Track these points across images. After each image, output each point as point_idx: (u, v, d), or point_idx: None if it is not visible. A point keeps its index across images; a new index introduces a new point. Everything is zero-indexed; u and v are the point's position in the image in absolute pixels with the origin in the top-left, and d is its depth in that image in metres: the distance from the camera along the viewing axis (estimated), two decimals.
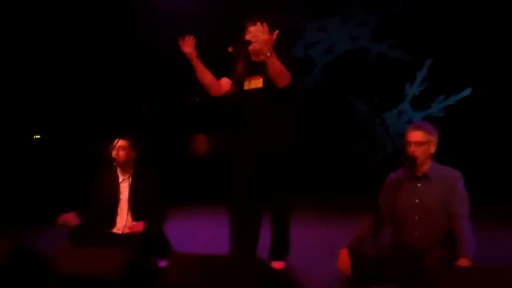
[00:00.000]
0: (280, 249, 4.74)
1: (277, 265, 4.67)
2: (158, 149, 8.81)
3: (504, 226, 6.51)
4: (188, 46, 4.54)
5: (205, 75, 4.71)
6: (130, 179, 4.96)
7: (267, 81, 4.53)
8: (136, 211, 4.85)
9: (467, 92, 9.87)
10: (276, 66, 4.37)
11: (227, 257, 3.45)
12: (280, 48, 4.57)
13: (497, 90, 9.45)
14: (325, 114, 10.70)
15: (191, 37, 4.53)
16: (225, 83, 4.81)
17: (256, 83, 4.63)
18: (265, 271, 2.98)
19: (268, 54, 4.26)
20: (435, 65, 10.12)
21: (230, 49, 4.48)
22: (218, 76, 4.82)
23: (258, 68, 4.63)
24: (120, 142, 4.94)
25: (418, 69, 10.29)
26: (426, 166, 3.99)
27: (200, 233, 6.79)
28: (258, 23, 4.35)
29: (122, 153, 4.92)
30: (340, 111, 10.71)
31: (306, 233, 6.07)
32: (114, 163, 4.93)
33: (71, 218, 4.71)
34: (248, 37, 4.65)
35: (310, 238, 5.93)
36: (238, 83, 4.68)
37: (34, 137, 9.40)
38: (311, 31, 11.08)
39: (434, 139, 4.00)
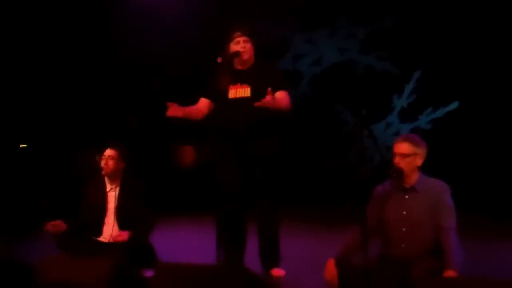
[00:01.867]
0: (273, 256, 4.74)
1: (278, 272, 4.68)
2: (146, 159, 8.79)
3: (491, 239, 6.54)
4: (177, 111, 4.55)
5: (194, 114, 4.76)
6: (118, 188, 4.95)
7: (255, 91, 4.55)
8: (122, 221, 4.84)
9: (454, 105, 9.91)
10: (282, 104, 4.51)
11: (214, 267, 3.44)
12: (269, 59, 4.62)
13: (484, 103, 9.50)
14: (313, 126, 10.71)
15: (172, 104, 4.53)
16: (203, 104, 4.85)
17: (243, 92, 4.64)
18: (252, 281, 2.97)
19: (273, 105, 4.38)
20: (423, 77, 10.16)
21: (219, 60, 4.50)
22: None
23: (245, 77, 4.66)
24: (109, 152, 4.94)
25: (406, 82, 10.33)
26: (413, 178, 4.00)
27: (186, 243, 6.78)
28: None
29: (110, 163, 4.91)
30: (328, 123, 10.72)
31: (293, 245, 6.02)
32: (103, 173, 4.93)
33: (58, 224, 4.68)
34: (237, 47, 4.67)
35: (297, 249, 5.91)
36: (222, 92, 4.69)
37: (20, 146, 9.35)
38: (299, 44, 11.12)
39: (420, 151, 4.00)
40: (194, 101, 4.91)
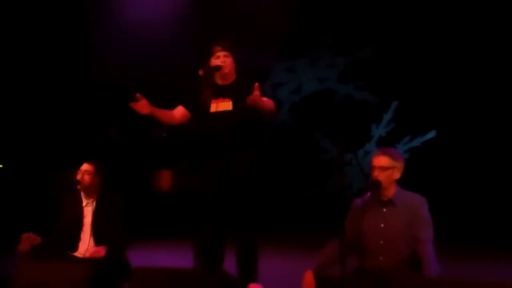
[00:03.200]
0: (250, 271, 4.69)
1: (255, 287, 4.63)
2: (123, 182, 8.74)
3: (468, 265, 6.57)
4: (144, 108, 4.55)
5: (163, 117, 4.76)
6: (94, 203, 4.90)
7: (237, 104, 4.57)
8: (98, 236, 4.79)
9: (431, 134, 10.02)
10: (268, 105, 4.50)
11: (191, 270, 3.41)
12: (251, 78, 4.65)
13: (462, 132, 9.63)
14: (292, 153, 10.76)
15: (142, 98, 4.53)
16: (179, 112, 4.85)
17: (225, 105, 4.66)
18: (230, 284, 2.94)
19: (261, 102, 4.38)
20: (401, 107, 10.28)
21: (200, 73, 4.53)
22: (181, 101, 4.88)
23: (226, 91, 4.68)
24: (85, 166, 4.90)
25: (385, 111, 10.43)
26: (391, 191, 4.02)
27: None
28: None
29: (87, 177, 4.87)
30: (307, 150, 10.77)
31: (270, 266, 6.00)
32: (79, 187, 4.88)
33: (32, 237, 4.62)
34: (217, 62, 4.70)
35: (274, 270, 5.87)
36: (203, 105, 4.70)
37: None
38: (279, 72, 11.21)
39: (399, 165, 4.04)
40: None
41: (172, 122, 4.84)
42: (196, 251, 4.75)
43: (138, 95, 4.50)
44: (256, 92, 4.32)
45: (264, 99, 4.50)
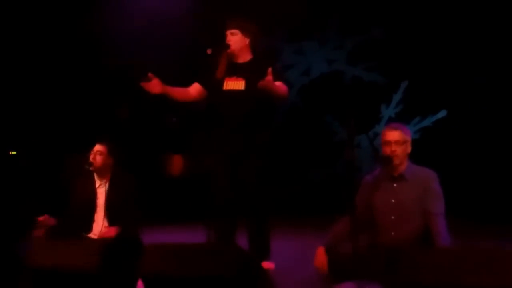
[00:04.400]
0: (263, 248, 4.73)
1: (268, 265, 4.68)
2: (135, 165, 8.78)
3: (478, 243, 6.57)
4: (155, 87, 4.57)
5: (177, 95, 4.78)
6: (107, 184, 4.94)
7: (250, 84, 4.59)
8: (112, 216, 4.83)
9: (442, 114, 9.96)
10: (280, 90, 4.52)
11: (204, 244, 3.43)
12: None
13: (472, 111, 9.59)
14: (301, 136, 10.74)
15: (153, 77, 4.55)
16: (194, 88, 4.88)
17: (237, 84, 4.68)
18: (243, 259, 2.96)
19: (273, 87, 4.40)
20: (410, 87, 10.21)
21: (208, 51, 4.54)
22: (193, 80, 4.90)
23: (241, 70, 4.70)
24: (98, 147, 4.94)
25: (394, 91, 10.38)
26: (402, 166, 4.03)
27: None
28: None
29: (99, 158, 4.91)
30: (316, 133, 10.74)
31: (284, 246, 6.03)
32: (91, 168, 4.91)
33: (46, 219, 4.67)
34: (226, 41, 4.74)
35: (288, 250, 5.89)
36: (217, 83, 4.72)
37: (10, 153, 9.29)
38: (288, 54, 11.17)
39: (409, 139, 4.07)
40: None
41: (187, 99, 4.87)
42: (208, 231, 4.78)
43: (149, 74, 4.52)
44: (269, 77, 4.33)
45: (277, 83, 4.51)
